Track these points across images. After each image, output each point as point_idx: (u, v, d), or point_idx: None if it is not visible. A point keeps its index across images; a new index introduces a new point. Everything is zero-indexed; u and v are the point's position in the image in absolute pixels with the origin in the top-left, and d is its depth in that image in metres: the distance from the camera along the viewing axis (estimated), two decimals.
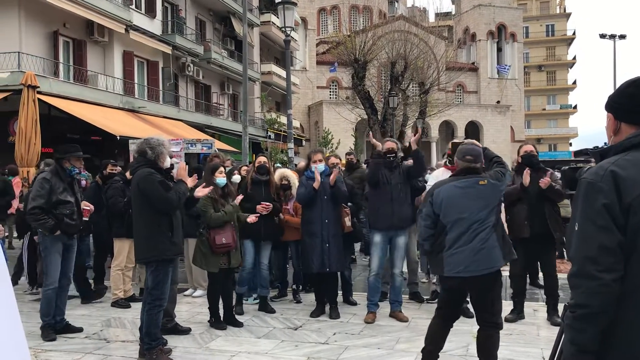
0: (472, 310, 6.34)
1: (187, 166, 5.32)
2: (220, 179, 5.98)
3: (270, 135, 30.84)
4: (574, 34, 68.49)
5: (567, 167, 2.39)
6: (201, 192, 5.40)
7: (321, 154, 6.78)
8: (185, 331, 5.66)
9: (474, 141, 4.72)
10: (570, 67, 69.61)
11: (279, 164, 13.33)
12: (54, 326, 5.61)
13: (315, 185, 6.31)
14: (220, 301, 6.00)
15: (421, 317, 6.34)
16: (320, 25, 55.80)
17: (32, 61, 17.06)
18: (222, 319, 5.95)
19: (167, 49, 24.04)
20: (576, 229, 1.90)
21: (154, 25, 23.56)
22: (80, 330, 5.74)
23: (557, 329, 5.69)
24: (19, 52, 16.80)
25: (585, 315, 1.85)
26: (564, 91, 68.76)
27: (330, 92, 52.01)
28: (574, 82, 69.21)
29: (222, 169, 6.11)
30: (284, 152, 23.48)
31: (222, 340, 5.47)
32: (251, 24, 32.64)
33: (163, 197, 4.74)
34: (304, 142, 42.04)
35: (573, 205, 1.97)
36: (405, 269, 7.32)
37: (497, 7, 56.41)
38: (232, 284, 6.47)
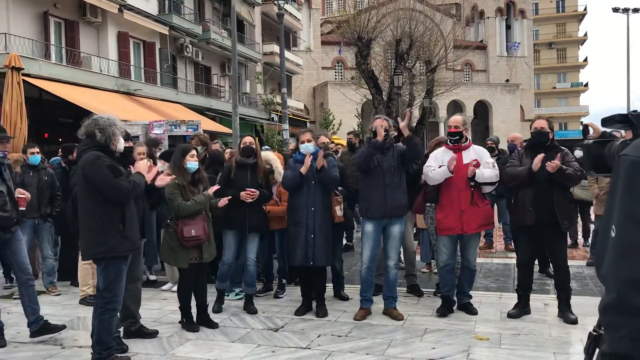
0: (475, 307, 5.73)
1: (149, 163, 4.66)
2: (192, 163, 5.30)
3: (272, 117, 30.10)
4: (585, 9, 66.72)
5: (593, 140, 1.72)
6: (162, 180, 4.74)
7: (310, 134, 6.03)
8: (152, 334, 5.02)
9: None
10: (581, 44, 67.99)
11: (267, 147, 12.63)
12: (32, 328, 5.03)
13: (303, 170, 5.60)
14: (193, 299, 5.38)
15: (418, 313, 5.69)
16: (325, 5, 54.64)
17: (20, 43, 16.39)
18: (195, 319, 5.33)
19: (164, 30, 23.28)
20: (613, 234, 1.20)
21: (150, 5, 22.78)
22: (63, 327, 5.11)
23: (571, 328, 5.06)
24: (6, 34, 16.14)
25: None
26: (575, 69, 67.25)
27: (335, 72, 51.05)
28: (585, 60, 67.68)
29: (194, 152, 5.43)
30: (280, 134, 22.73)
31: (191, 344, 4.85)
32: (252, 3, 31.79)
33: (112, 184, 4.09)
34: (308, 124, 41.26)
35: (608, 197, 1.28)
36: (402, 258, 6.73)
37: None
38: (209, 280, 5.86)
